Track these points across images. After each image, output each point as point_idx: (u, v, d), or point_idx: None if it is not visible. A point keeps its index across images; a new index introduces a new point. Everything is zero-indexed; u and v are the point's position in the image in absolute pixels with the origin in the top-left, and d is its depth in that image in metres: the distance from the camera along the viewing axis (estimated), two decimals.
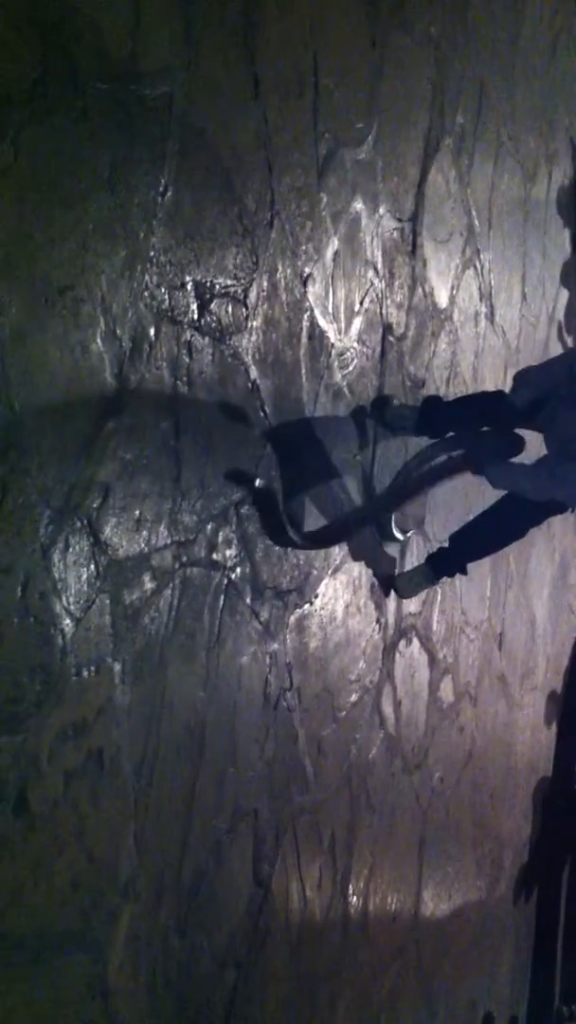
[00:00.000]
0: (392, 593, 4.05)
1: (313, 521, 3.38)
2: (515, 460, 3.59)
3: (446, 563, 4.11)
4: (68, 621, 2.17)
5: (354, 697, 3.79)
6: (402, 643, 4.26)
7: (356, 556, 3.70)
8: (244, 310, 2.80)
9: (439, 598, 4.64)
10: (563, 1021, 6.76)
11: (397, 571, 4.05)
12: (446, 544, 4.16)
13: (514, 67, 5.44)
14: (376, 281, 3.69)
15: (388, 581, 3.99)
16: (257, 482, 2.95)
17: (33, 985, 2.18)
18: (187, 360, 2.55)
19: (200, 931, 2.83)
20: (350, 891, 3.86)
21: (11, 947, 2.11)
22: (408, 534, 4.11)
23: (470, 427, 3.90)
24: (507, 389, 4.97)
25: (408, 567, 4.11)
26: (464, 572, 4.26)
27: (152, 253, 2.38)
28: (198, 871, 2.78)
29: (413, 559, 4.17)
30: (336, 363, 3.42)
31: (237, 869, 3.01)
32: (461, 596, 4.95)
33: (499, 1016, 5.82)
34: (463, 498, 4.63)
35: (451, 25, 4.41)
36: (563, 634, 7.30)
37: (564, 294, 6.60)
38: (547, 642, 6.81)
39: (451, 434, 3.80)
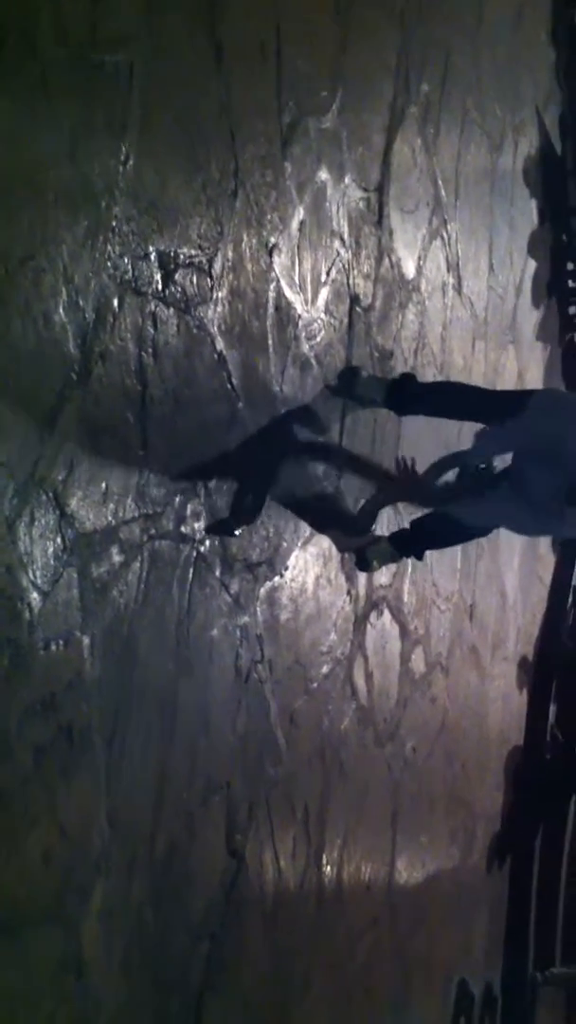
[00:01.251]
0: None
1: (285, 493, 3.37)
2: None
3: (406, 545, 4.14)
4: (35, 595, 2.15)
5: (326, 669, 3.80)
6: (373, 615, 4.27)
7: (324, 529, 3.69)
8: (209, 280, 2.78)
9: (409, 570, 4.64)
10: (537, 987, 6.83)
11: (364, 543, 4.05)
12: (408, 527, 4.19)
13: (479, 37, 5.41)
14: (343, 251, 3.67)
15: (355, 553, 4.00)
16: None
17: (6, 961, 2.17)
18: (152, 331, 2.52)
19: (174, 904, 2.83)
20: (324, 862, 3.87)
21: None
22: (381, 565, 4.14)
23: (442, 414, 3.99)
24: (473, 361, 5.01)
25: (375, 540, 4.11)
26: (420, 558, 4.32)
27: (114, 223, 2.35)
28: (171, 844, 2.78)
29: (382, 531, 4.17)
30: (303, 334, 3.40)
31: (210, 842, 3.01)
32: (432, 567, 4.96)
33: (474, 984, 5.88)
34: (421, 463, 4.63)
35: None
36: (533, 604, 7.34)
37: (531, 264, 6.59)
38: (518, 613, 6.84)
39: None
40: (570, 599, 7.93)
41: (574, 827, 7.53)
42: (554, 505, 3.65)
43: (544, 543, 7.54)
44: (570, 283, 7.83)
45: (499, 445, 3.81)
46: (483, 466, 3.90)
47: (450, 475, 4.10)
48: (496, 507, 3.85)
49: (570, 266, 7.79)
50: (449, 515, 4.10)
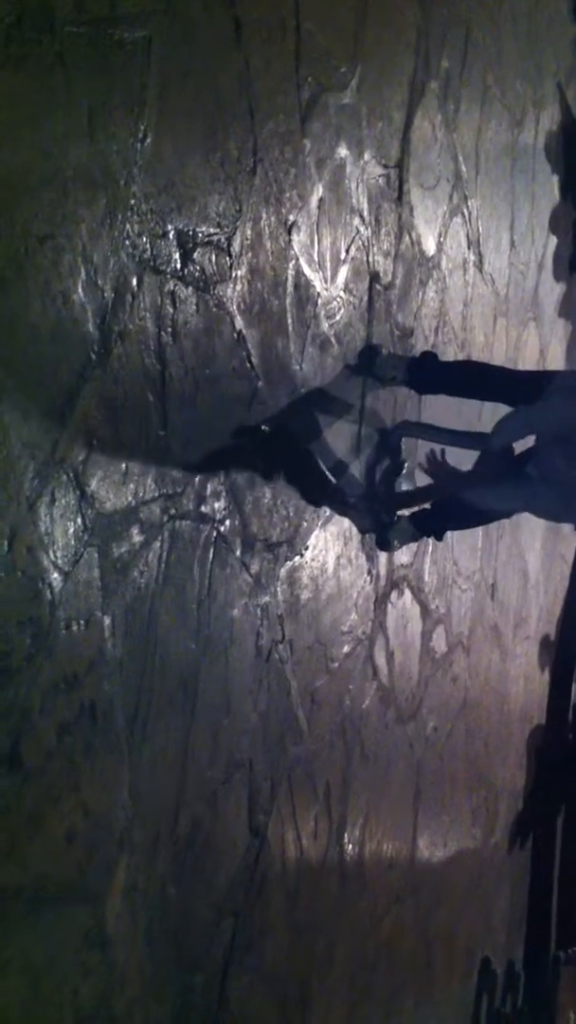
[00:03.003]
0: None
1: (305, 473, 3.37)
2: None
3: (426, 525, 4.12)
4: (56, 575, 2.16)
5: (347, 648, 3.80)
6: (394, 594, 4.26)
7: (345, 508, 3.69)
8: (228, 259, 2.77)
9: (430, 549, 4.63)
10: (559, 966, 6.85)
11: (385, 523, 4.04)
12: (429, 506, 4.17)
13: (500, 12, 5.35)
14: (362, 229, 3.64)
15: (375, 532, 3.99)
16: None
17: (31, 937, 2.19)
18: (171, 310, 2.52)
19: (197, 881, 2.85)
20: (346, 840, 3.89)
21: (8, 900, 2.12)
22: (401, 545, 4.13)
23: (463, 394, 3.98)
24: (494, 338, 4.98)
25: (395, 520, 4.10)
26: (440, 538, 4.31)
27: (133, 201, 2.34)
28: (194, 822, 2.80)
29: (403, 511, 4.16)
30: (323, 312, 3.39)
31: (233, 819, 3.03)
32: (453, 547, 4.95)
33: (496, 961, 5.90)
34: (456, 453, 4.62)
35: None
36: (556, 583, 7.32)
37: (553, 241, 6.54)
38: (540, 592, 6.82)
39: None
40: None
41: None
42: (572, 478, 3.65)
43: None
44: None
45: (522, 429, 3.78)
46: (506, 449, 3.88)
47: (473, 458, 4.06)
48: (519, 490, 3.83)
49: None
50: (470, 497, 4.08)
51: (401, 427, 4.00)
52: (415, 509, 4.17)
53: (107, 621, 2.35)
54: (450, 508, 4.14)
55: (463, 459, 4.20)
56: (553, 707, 7.20)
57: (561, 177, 6.70)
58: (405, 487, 4.11)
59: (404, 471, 4.07)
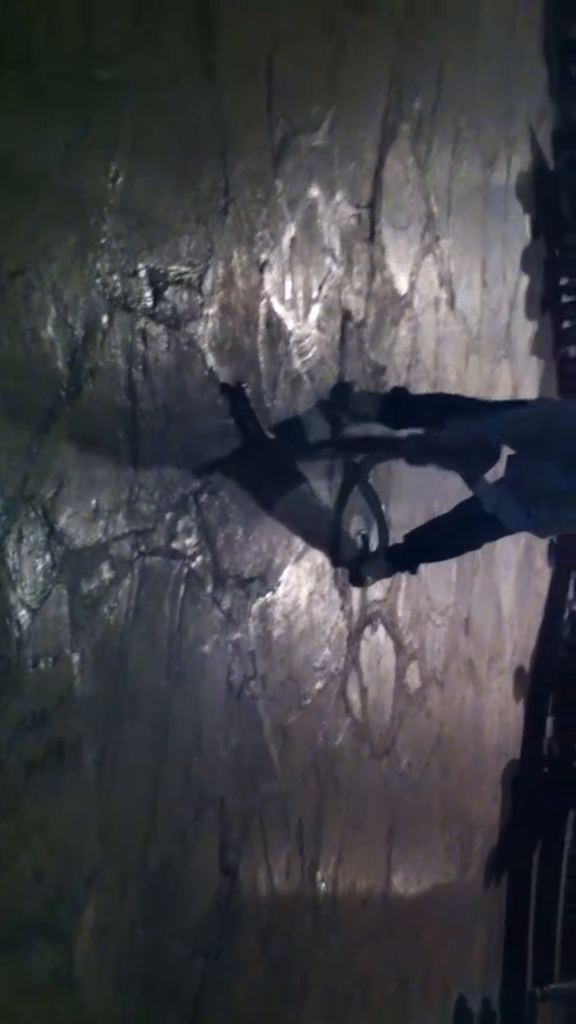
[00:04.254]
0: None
1: (278, 509, 3.38)
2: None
3: (400, 559, 4.14)
4: (24, 612, 2.16)
5: (319, 684, 3.80)
6: (367, 630, 4.27)
7: (319, 542, 3.70)
8: (199, 297, 2.79)
9: (404, 584, 4.65)
10: (535, 1003, 6.81)
11: (357, 558, 4.05)
12: (402, 541, 4.18)
13: (472, 53, 5.44)
14: (334, 268, 3.68)
15: (349, 568, 4.00)
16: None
17: None
18: (142, 348, 2.53)
19: (167, 921, 2.82)
20: (319, 877, 3.86)
21: None
22: (375, 580, 4.14)
23: (434, 426, 3.98)
24: (467, 375, 5.03)
25: (368, 555, 4.11)
26: (414, 572, 4.33)
27: (104, 240, 2.36)
28: (164, 860, 2.78)
29: (376, 546, 4.17)
30: (295, 350, 3.41)
31: (204, 858, 3.01)
32: (427, 582, 4.96)
33: (472, 999, 5.86)
34: (428, 483, 4.64)
35: (409, 9, 4.40)
36: (530, 618, 7.34)
37: (525, 279, 6.62)
38: (514, 626, 6.84)
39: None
40: (566, 612, 7.94)
41: (572, 841, 7.52)
42: (552, 503, 3.67)
43: (540, 556, 7.55)
44: (564, 298, 7.87)
45: (493, 433, 3.79)
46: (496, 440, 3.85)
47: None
48: (498, 506, 3.82)
49: (564, 281, 7.82)
50: (445, 526, 4.10)
51: (370, 459, 4.00)
52: (388, 544, 4.18)
53: (76, 658, 2.35)
54: (423, 541, 4.16)
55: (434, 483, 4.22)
56: (528, 741, 7.20)
57: (533, 217, 6.79)
58: (378, 522, 4.12)
59: (377, 506, 4.08)
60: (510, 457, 3.84)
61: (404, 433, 4.00)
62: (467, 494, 3.94)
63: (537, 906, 7.09)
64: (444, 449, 3.75)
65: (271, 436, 3.25)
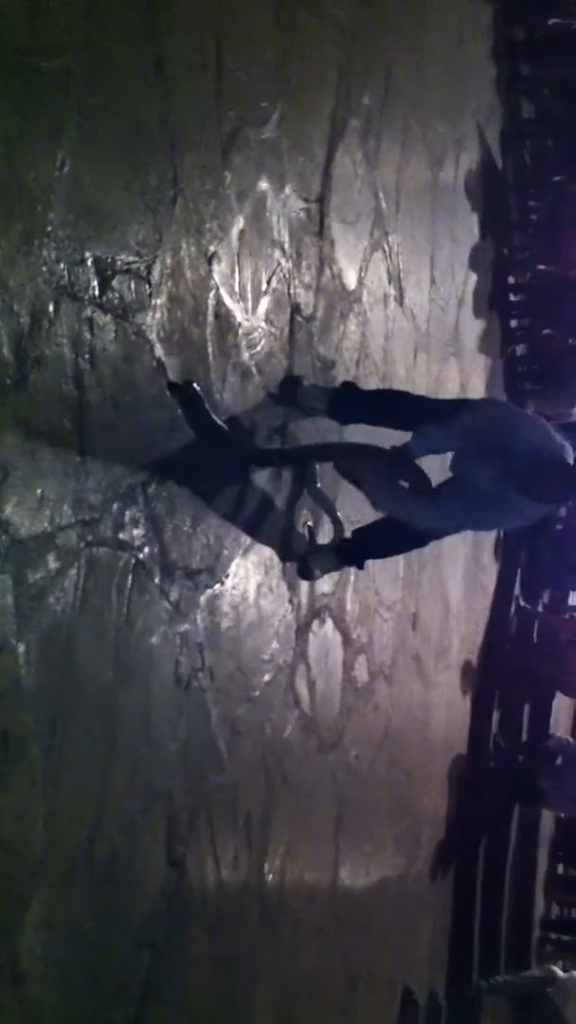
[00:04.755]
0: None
1: (226, 501, 3.38)
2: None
3: (348, 554, 4.16)
4: None
5: (268, 677, 3.80)
6: (315, 623, 4.28)
7: (268, 535, 3.70)
8: (148, 287, 2.78)
9: (352, 579, 4.66)
10: (481, 995, 6.87)
11: (305, 552, 4.06)
12: (349, 535, 4.20)
13: (421, 52, 5.47)
14: (283, 261, 3.68)
15: (297, 561, 4.01)
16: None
17: None
18: (89, 337, 2.52)
19: (114, 914, 2.81)
20: (267, 871, 3.87)
21: None
22: (323, 574, 4.16)
23: (384, 422, 4.02)
24: (415, 372, 5.06)
25: (316, 549, 4.12)
26: (361, 567, 4.36)
27: (50, 228, 2.35)
28: (111, 853, 2.76)
29: (324, 540, 4.18)
30: (244, 343, 3.41)
31: (151, 850, 3.00)
32: (375, 577, 4.99)
33: (418, 991, 5.89)
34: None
35: (358, 8, 4.42)
36: (477, 613, 7.40)
37: (473, 278, 6.67)
38: (461, 621, 6.89)
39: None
40: (512, 608, 8.02)
41: (517, 834, 7.60)
42: (501, 498, 3.73)
43: (487, 552, 7.61)
44: (512, 296, 7.94)
45: (438, 442, 3.85)
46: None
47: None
48: (443, 509, 3.88)
49: (511, 280, 7.89)
50: (392, 523, 4.12)
51: (318, 453, 4.02)
52: (337, 538, 4.20)
53: (21, 648, 2.33)
54: (371, 537, 4.18)
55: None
56: (474, 735, 7.26)
57: (481, 215, 6.84)
58: (326, 516, 4.13)
59: (325, 501, 4.09)
60: (458, 459, 3.89)
61: (353, 432, 4.05)
62: None
63: (483, 899, 7.16)
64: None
65: (220, 429, 3.25)
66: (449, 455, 3.96)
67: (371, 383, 4.62)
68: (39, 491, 2.36)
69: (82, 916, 2.65)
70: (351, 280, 4.41)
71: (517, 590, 8.11)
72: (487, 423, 3.79)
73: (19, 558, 2.30)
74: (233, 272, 3.29)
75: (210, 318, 3.15)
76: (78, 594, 2.54)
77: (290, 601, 3.97)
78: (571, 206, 7.84)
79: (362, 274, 4.54)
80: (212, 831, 3.36)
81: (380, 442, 4.01)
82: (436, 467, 4.03)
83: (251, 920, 3.78)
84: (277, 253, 3.63)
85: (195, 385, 3.01)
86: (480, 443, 3.77)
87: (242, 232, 3.33)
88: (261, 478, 3.69)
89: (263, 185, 3.49)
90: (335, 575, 4.36)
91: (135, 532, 2.80)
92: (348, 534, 4.21)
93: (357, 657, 4.82)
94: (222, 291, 3.21)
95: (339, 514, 4.30)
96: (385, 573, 5.15)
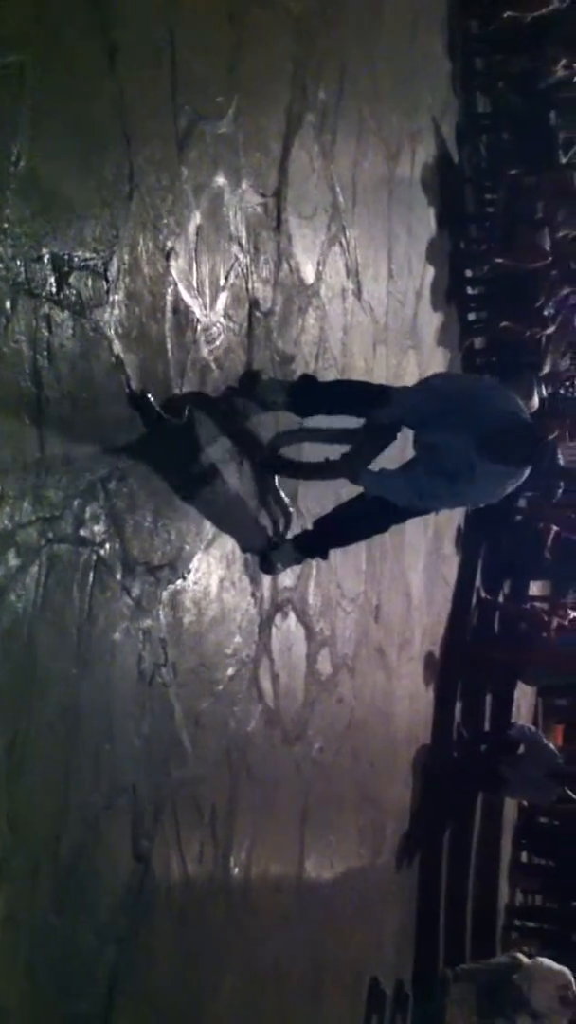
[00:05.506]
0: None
1: (187, 496, 3.38)
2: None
3: (309, 546, 4.17)
4: None
5: (231, 671, 3.81)
6: (278, 617, 4.30)
7: (229, 529, 3.71)
8: (105, 283, 2.78)
9: (314, 572, 4.69)
10: (447, 983, 6.92)
11: (267, 545, 4.08)
12: (311, 526, 4.22)
13: (375, 46, 5.49)
14: (241, 256, 3.69)
15: (259, 555, 4.02)
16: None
17: None
18: (47, 334, 2.52)
19: (79, 909, 2.81)
20: (232, 863, 3.88)
21: None
22: (285, 568, 4.17)
23: (344, 411, 4.04)
24: (374, 364, 5.08)
25: (278, 542, 4.13)
26: (325, 557, 4.37)
27: (6, 224, 2.34)
28: (75, 848, 2.77)
29: (285, 533, 4.20)
30: (203, 338, 3.42)
31: (116, 845, 3.01)
32: (336, 569, 5.01)
33: (385, 981, 5.94)
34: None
35: (312, 1, 4.43)
36: (439, 605, 7.46)
37: (431, 271, 6.71)
38: (423, 613, 6.94)
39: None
40: (474, 599, 8.08)
41: (481, 824, 7.67)
42: (469, 466, 3.76)
43: (448, 543, 7.67)
44: (469, 290, 8.00)
45: (404, 406, 3.88)
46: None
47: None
48: (415, 483, 3.89)
49: (469, 273, 7.95)
50: (352, 510, 4.14)
51: (277, 440, 4.03)
52: (298, 531, 4.22)
53: None
54: (332, 525, 4.19)
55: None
56: (438, 726, 7.31)
57: (437, 209, 6.88)
58: (287, 509, 4.15)
59: (279, 496, 4.10)
60: (416, 435, 3.92)
61: (310, 423, 4.05)
62: None
63: (448, 888, 7.22)
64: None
65: (179, 424, 3.25)
66: (411, 434, 3.99)
67: (330, 376, 4.64)
68: None
69: (48, 912, 2.65)
70: (309, 274, 4.43)
71: (478, 581, 8.17)
72: (451, 389, 3.85)
73: None
74: (191, 268, 3.29)
75: (168, 314, 3.15)
76: (39, 591, 2.53)
77: (252, 595, 3.98)
78: (527, 199, 7.91)
79: (320, 268, 4.56)
80: (177, 825, 3.37)
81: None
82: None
83: (217, 912, 3.79)
84: (235, 248, 3.64)
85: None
86: (444, 412, 3.80)
87: (199, 227, 3.34)
88: (222, 473, 3.69)
89: (219, 180, 3.49)
90: (297, 569, 4.38)
91: (96, 528, 2.81)
92: (309, 526, 4.23)
93: (320, 650, 4.85)
94: (180, 287, 3.21)
95: (300, 506, 4.32)
96: (347, 566, 5.18)
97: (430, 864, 7.00)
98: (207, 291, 3.43)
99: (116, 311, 2.84)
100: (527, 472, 3.97)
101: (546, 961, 6.42)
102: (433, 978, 6.76)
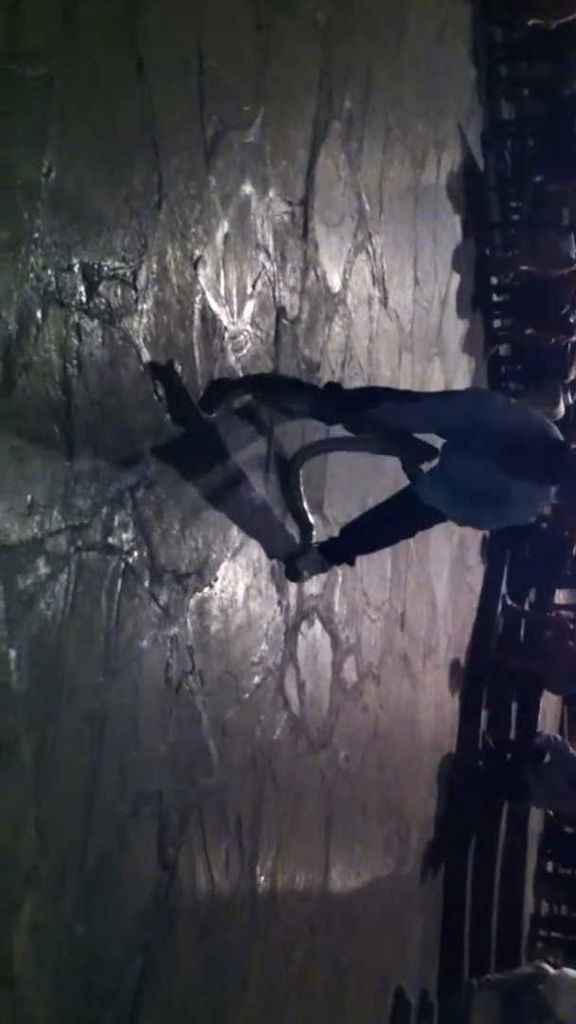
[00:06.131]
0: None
1: (214, 504, 3.39)
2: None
3: (336, 553, 4.16)
4: None
5: (257, 679, 3.81)
6: (304, 625, 4.29)
7: (256, 537, 3.71)
8: (134, 292, 2.79)
9: (340, 580, 4.68)
10: (472, 993, 6.89)
11: (293, 553, 4.08)
12: (337, 534, 4.21)
13: (401, 54, 5.50)
14: (268, 264, 3.70)
15: (285, 563, 4.02)
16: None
17: None
18: (76, 343, 2.53)
19: (105, 917, 2.82)
20: (257, 872, 3.88)
21: None
22: (311, 575, 4.16)
23: (369, 420, 4.01)
24: (400, 372, 5.07)
25: (304, 550, 4.13)
26: (352, 564, 4.35)
27: (37, 235, 2.36)
28: (102, 856, 2.77)
29: (311, 540, 4.19)
30: (230, 346, 3.43)
31: (142, 853, 3.01)
32: (362, 578, 5.00)
33: (410, 990, 5.92)
34: (361, 479, 4.69)
35: (337, 10, 4.43)
36: (464, 613, 7.43)
37: (456, 278, 6.70)
38: (448, 621, 6.92)
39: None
40: (499, 607, 8.05)
41: (506, 833, 7.63)
42: (497, 489, 3.72)
43: (473, 552, 7.65)
44: (494, 297, 7.98)
45: (426, 422, 3.83)
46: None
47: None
48: (434, 496, 3.86)
49: (494, 280, 7.93)
50: (378, 517, 4.13)
51: (300, 454, 4.03)
52: (324, 539, 4.22)
53: (12, 654, 2.34)
54: (358, 533, 4.18)
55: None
56: (463, 735, 7.29)
57: (463, 216, 6.87)
58: (312, 517, 4.15)
59: (299, 504, 4.09)
60: (443, 447, 3.90)
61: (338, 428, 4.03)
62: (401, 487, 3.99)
63: (473, 897, 7.18)
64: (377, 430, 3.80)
65: (205, 425, 3.26)
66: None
67: (356, 384, 4.63)
68: (28, 497, 2.37)
69: (74, 919, 2.66)
70: (335, 282, 4.43)
71: (503, 589, 8.14)
72: (472, 410, 3.77)
73: (9, 564, 2.31)
74: (218, 276, 3.30)
75: (196, 322, 3.16)
76: (68, 599, 2.54)
77: (279, 603, 3.98)
78: (552, 206, 7.87)
79: (346, 276, 4.56)
80: (203, 833, 3.37)
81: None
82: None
83: (242, 920, 3.79)
84: (262, 256, 3.64)
85: (176, 367, 2.99)
86: (463, 432, 3.76)
87: (227, 236, 3.34)
88: (248, 480, 3.70)
89: (247, 189, 3.50)
90: (323, 577, 4.37)
91: (124, 536, 2.81)
92: (335, 533, 4.23)
93: (346, 658, 4.84)
94: (208, 295, 3.22)
95: (326, 514, 4.33)
96: (372, 574, 5.17)
97: (455, 873, 6.97)
98: (234, 299, 3.44)
99: (144, 320, 2.85)
100: (560, 482, 3.89)
101: (571, 972, 6.39)
102: (458, 988, 6.74)
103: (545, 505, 3.97)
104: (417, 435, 3.85)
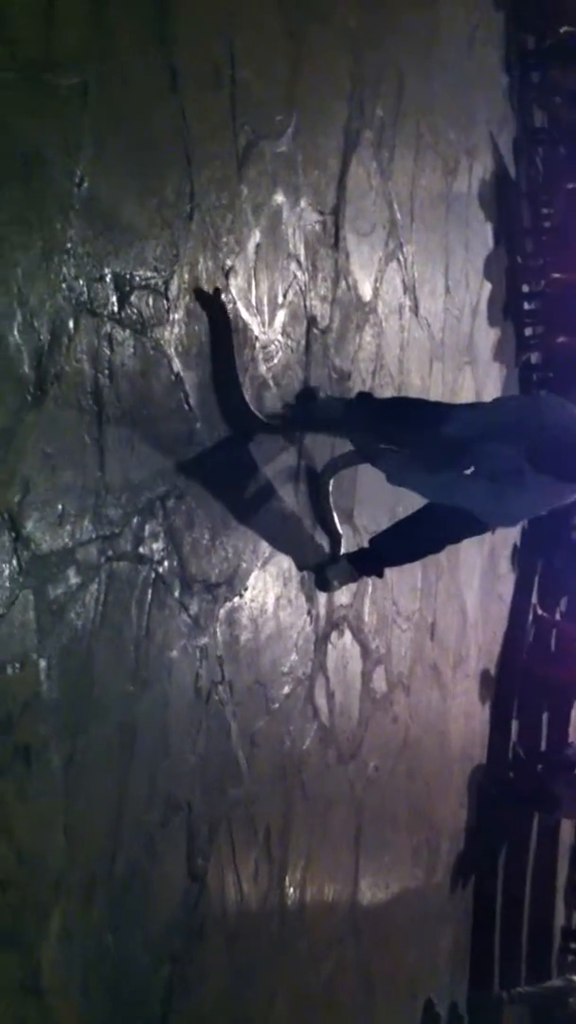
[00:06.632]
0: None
1: (244, 514, 3.39)
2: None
3: (365, 564, 4.14)
4: None
5: (287, 689, 3.80)
6: (334, 635, 4.28)
7: (286, 547, 3.70)
8: (165, 302, 2.79)
9: (370, 589, 4.66)
10: (503, 1006, 6.84)
11: (323, 563, 4.06)
12: (367, 544, 4.19)
13: (432, 61, 5.49)
14: (299, 274, 3.70)
15: (315, 573, 4.00)
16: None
17: None
18: (108, 352, 2.53)
19: (134, 926, 2.82)
20: (286, 882, 3.86)
21: None
22: (341, 585, 4.15)
23: (399, 430, 3.98)
24: (431, 381, 5.05)
25: (334, 560, 4.12)
26: (381, 576, 4.33)
27: (69, 245, 2.36)
28: (131, 866, 2.77)
29: (342, 550, 4.18)
30: (260, 355, 3.43)
31: (171, 863, 3.00)
32: (392, 587, 4.98)
33: (439, 1003, 5.87)
34: (391, 489, 4.66)
35: (368, 17, 4.43)
36: (494, 623, 7.38)
37: (487, 286, 6.67)
38: (479, 631, 6.88)
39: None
40: (530, 617, 7.99)
41: (537, 844, 7.57)
42: (519, 476, 3.67)
43: (504, 561, 7.60)
44: (526, 305, 7.94)
45: (466, 426, 3.80)
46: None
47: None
48: (465, 496, 3.82)
49: (525, 288, 7.89)
50: (408, 528, 4.10)
51: (331, 464, 4.01)
52: (354, 549, 4.20)
53: (43, 663, 2.34)
54: (388, 544, 4.16)
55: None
56: (493, 746, 7.24)
57: (494, 224, 6.84)
58: (342, 527, 4.14)
59: (329, 513, 4.07)
60: (474, 445, 3.83)
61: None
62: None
63: (503, 909, 7.13)
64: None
65: (237, 441, 3.26)
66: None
67: (387, 393, 4.62)
68: (60, 506, 2.37)
69: (103, 928, 2.66)
70: (366, 291, 4.42)
71: (534, 598, 8.08)
72: (511, 411, 3.76)
73: (40, 573, 2.31)
74: (250, 286, 3.30)
75: None
76: (98, 609, 2.55)
77: (308, 613, 3.97)
78: None
79: (377, 285, 4.55)
80: (232, 843, 3.36)
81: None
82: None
83: (270, 931, 3.77)
84: (293, 266, 3.64)
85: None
86: (501, 425, 3.73)
87: (258, 246, 3.35)
88: (278, 491, 3.69)
89: (278, 198, 3.50)
90: (353, 586, 4.36)
91: (154, 546, 2.81)
92: (365, 544, 4.21)
93: (375, 668, 4.82)
94: (239, 305, 3.22)
95: (356, 524, 4.31)
96: (402, 583, 5.14)
97: (485, 885, 6.92)
98: (265, 309, 3.44)
99: (176, 329, 2.86)
100: None
101: None
102: (488, 1000, 6.69)
103: (553, 505, 3.91)
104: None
